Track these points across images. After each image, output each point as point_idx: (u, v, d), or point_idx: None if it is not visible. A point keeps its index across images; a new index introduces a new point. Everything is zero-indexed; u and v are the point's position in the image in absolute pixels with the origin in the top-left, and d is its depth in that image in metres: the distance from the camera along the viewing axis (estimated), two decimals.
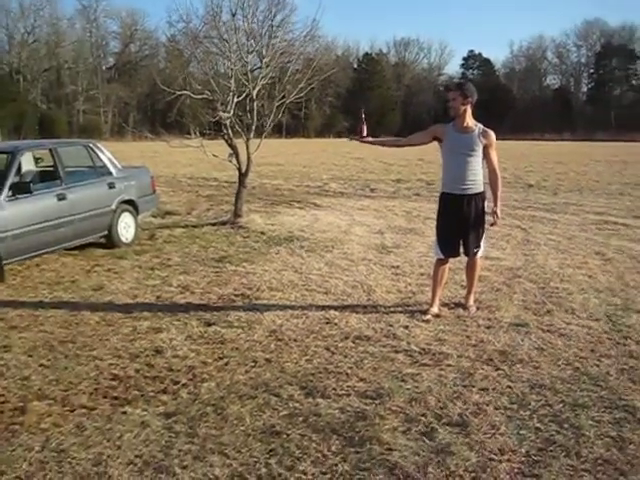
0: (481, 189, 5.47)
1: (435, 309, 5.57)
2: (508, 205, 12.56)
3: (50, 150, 8.04)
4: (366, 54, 78.10)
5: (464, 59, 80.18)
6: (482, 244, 5.65)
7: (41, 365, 4.58)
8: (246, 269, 7.37)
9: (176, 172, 21.21)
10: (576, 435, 3.40)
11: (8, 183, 7.04)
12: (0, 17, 57.61)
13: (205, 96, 9.60)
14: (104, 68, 62.23)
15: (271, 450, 3.32)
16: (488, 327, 5.20)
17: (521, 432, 3.45)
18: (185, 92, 9.56)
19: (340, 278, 6.87)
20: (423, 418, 3.63)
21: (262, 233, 9.59)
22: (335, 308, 5.78)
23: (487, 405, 3.78)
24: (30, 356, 4.76)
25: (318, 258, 7.87)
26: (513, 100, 74.20)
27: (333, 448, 3.33)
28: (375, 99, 68.21)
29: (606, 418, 3.59)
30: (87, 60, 60.36)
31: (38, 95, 58.28)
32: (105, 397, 4.04)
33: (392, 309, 5.74)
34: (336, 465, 3.16)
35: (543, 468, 3.09)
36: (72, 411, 3.84)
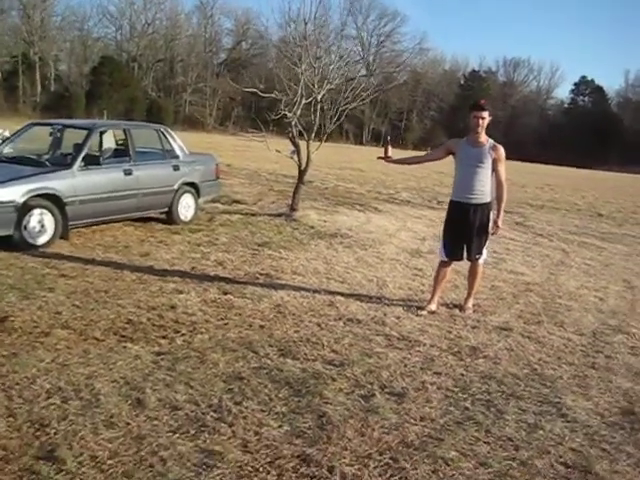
0: (487, 200, 5.89)
1: (432, 306, 6.02)
2: (564, 230, 12.73)
3: (124, 130, 8.97)
4: (473, 71, 77.57)
5: (575, 84, 78.50)
6: (484, 251, 6.07)
7: (73, 305, 5.38)
8: (280, 254, 8.01)
9: (260, 167, 22.06)
10: (496, 417, 3.84)
11: (81, 155, 7.95)
12: (125, 8, 61.05)
13: (273, 96, 10.30)
14: (215, 63, 64.62)
15: (229, 389, 3.93)
16: (473, 327, 5.62)
17: (449, 408, 3.91)
18: (253, 90, 10.29)
19: (362, 272, 7.39)
20: (369, 386, 4.15)
21: (311, 227, 10.19)
22: (343, 295, 6.32)
23: (432, 385, 4.25)
24: (68, 297, 5.57)
25: (351, 253, 8.42)
26: (624, 131, 71.85)
27: (280, 395, 3.90)
28: None
29: (532, 409, 4.00)
30: (199, 54, 62.95)
31: (150, 83, 61.27)
32: (115, 334, 4.77)
33: (395, 302, 6.22)
34: (275, 407, 3.73)
35: (449, 435, 3.56)
36: (85, 340, 4.60)
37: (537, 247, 10.42)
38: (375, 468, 3.14)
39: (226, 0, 65.69)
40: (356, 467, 3.14)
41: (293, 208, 11.09)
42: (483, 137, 5.85)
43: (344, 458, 3.21)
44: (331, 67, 10.36)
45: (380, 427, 3.58)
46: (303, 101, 10.49)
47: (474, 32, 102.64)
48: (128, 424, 3.40)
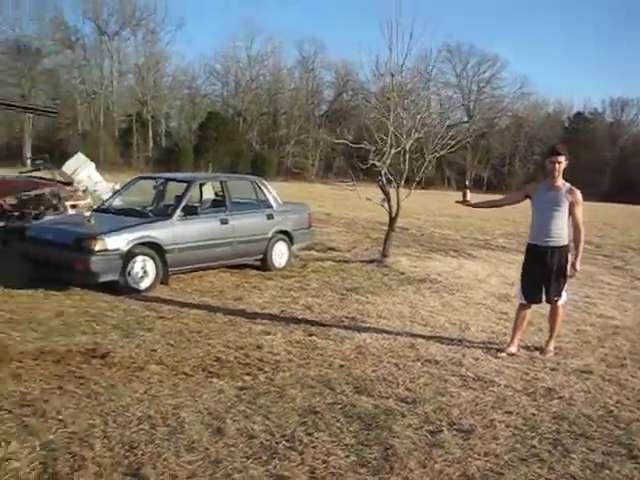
0: (565, 243, 5.95)
1: (512, 349, 6.08)
2: None
3: (221, 182, 9.59)
4: (578, 113, 75.75)
5: None
6: (564, 293, 6.09)
7: (168, 343, 5.83)
8: (368, 299, 8.25)
9: (358, 215, 22.42)
10: (562, 455, 3.90)
11: (181, 206, 8.57)
12: (231, 66, 64.08)
13: (363, 146, 10.70)
14: (316, 115, 66.38)
15: (303, 422, 4.20)
16: (552, 369, 5.63)
17: (515, 445, 4.01)
18: (343, 141, 10.72)
19: (446, 316, 7.51)
20: (437, 422, 4.30)
21: (401, 273, 10.38)
22: (424, 337, 6.48)
23: (500, 423, 4.35)
24: (163, 337, 6.05)
25: (437, 298, 8.55)
26: None
27: (350, 428, 4.13)
28: (584, 159, 65.79)
29: (602, 449, 4.02)
30: (302, 106, 64.90)
31: (254, 136, 63.58)
32: (203, 370, 5.16)
33: (475, 345, 6.31)
34: (345, 439, 3.96)
35: (510, 470, 3.66)
36: (175, 375, 5.01)
37: (634, 291, 10.15)
38: None
39: (326, 54, 67.50)
40: None
41: (384, 254, 11.32)
42: (560, 181, 5.95)
43: None
44: (418, 117, 10.64)
45: (443, 460, 3.73)
46: (392, 151, 10.80)
47: (578, 73, 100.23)
48: (207, 449, 3.72)
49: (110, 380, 4.79)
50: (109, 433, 3.87)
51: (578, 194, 5.92)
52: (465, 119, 73.48)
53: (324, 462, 3.64)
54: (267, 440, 3.89)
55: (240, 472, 3.47)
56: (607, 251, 15.78)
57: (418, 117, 10.62)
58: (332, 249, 13.04)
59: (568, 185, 5.95)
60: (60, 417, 4.08)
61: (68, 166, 16.92)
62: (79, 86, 60.15)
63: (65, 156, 21.05)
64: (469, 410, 4.55)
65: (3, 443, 3.64)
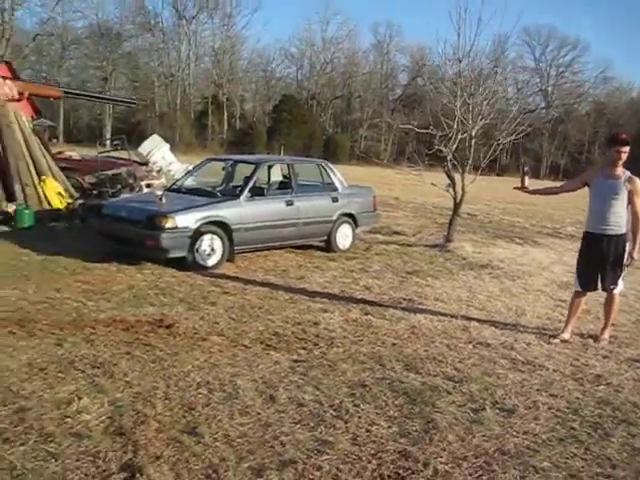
0: (622, 231, 5.95)
1: (566, 335, 6.13)
2: None
3: (288, 165, 9.87)
4: None
5: None
6: (620, 282, 6.09)
7: (230, 317, 6.15)
8: (427, 282, 8.39)
9: (427, 200, 22.40)
10: (601, 438, 3.99)
11: (248, 187, 8.89)
12: (305, 49, 64.59)
13: (429, 131, 10.77)
14: (390, 99, 66.12)
15: (352, 394, 4.42)
16: (604, 357, 5.67)
17: (555, 427, 4.12)
18: (409, 126, 10.83)
19: (503, 301, 7.59)
20: (481, 401, 4.45)
21: (464, 258, 10.44)
22: (479, 321, 6.59)
23: (544, 405, 4.46)
24: (226, 311, 6.37)
25: (497, 284, 8.60)
26: None
27: (396, 402, 4.33)
28: None
29: None
30: (376, 90, 64.78)
31: (327, 120, 63.94)
32: (261, 343, 5.44)
33: (529, 330, 6.39)
34: (389, 411, 4.17)
35: (547, 449, 3.79)
36: (235, 346, 5.30)
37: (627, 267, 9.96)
38: (467, 468, 3.48)
39: (402, 37, 67.09)
40: (449, 465, 3.49)
41: (448, 239, 11.40)
42: (620, 169, 5.95)
43: (440, 457, 3.57)
44: (485, 102, 10.62)
45: (482, 436, 3.89)
46: (459, 136, 10.83)
47: None
48: (259, 414, 3.99)
49: (174, 348, 5.13)
50: (170, 395, 4.19)
51: (638, 183, 5.91)
52: (543, 105, 71.89)
53: (367, 431, 3.85)
54: (315, 409, 4.13)
55: (287, 436, 3.72)
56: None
57: (485, 103, 10.60)
58: (397, 233, 13.17)
59: (628, 173, 5.94)
60: (127, 379, 4.43)
61: (144, 147, 17.58)
62: (157, 69, 61.72)
63: (143, 137, 21.83)
64: (514, 391, 4.67)
65: (76, 398, 4.00)
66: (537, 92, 70.29)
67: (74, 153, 15.99)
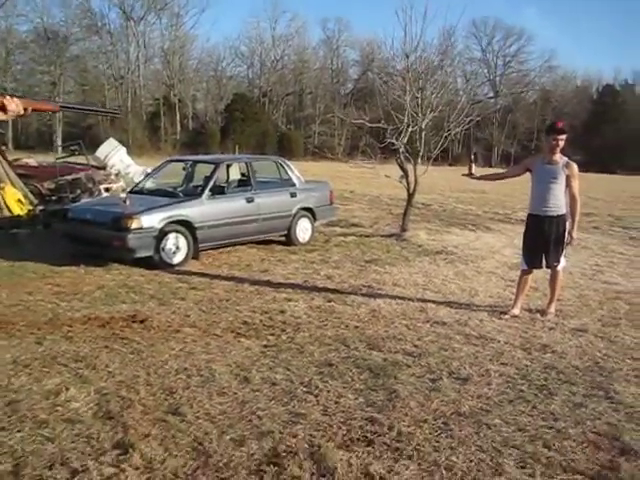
0: (562, 212, 6.44)
1: (515, 311, 6.59)
2: None
3: (245, 163, 10.20)
4: (607, 85, 74.73)
5: None
6: (562, 259, 6.58)
7: (200, 310, 6.47)
8: (385, 269, 8.80)
9: (382, 193, 22.84)
10: (545, 397, 4.43)
11: (209, 186, 9.19)
12: (255, 47, 64.77)
13: (380, 125, 11.19)
14: (342, 93, 66.68)
15: (320, 372, 4.79)
16: (550, 329, 6.15)
17: (505, 390, 4.55)
18: (361, 121, 11.24)
19: (457, 284, 8.04)
20: (438, 372, 4.86)
21: (419, 246, 10.90)
22: (435, 302, 7.02)
23: (495, 372, 4.88)
24: (196, 304, 6.68)
25: (451, 268, 9.07)
26: None
27: (361, 377, 4.71)
28: (611, 133, 65.09)
29: (582, 392, 4.54)
30: (327, 86, 65.35)
31: (280, 117, 64.25)
32: (232, 332, 5.76)
33: (482, 308, 6.84)
34: (355, 385, 4.54)
35: (498, 409, 4.21)
36: (207, 336, 5.63)
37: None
38: (427, 429, 3.87)
39: (351, 32, 67.77)
40: (412, 427, 3.87)
41: (403, 229, 11.84)
42: (557, 156, 6.43)
43: (403, 421, 3.96)
44: (433, 96, 11.08)
45: (440, 401, 4.29)
46: (409, 129, 11.27)
47: (608, 44, 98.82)
48: (235, 394, 4.32)
49: (150, 340, 5.42)
50: (151, 381, 4.50)
51: (574, 167, 6.39)
52: (491, 94, 73.24)
53: (336, 402, 4.22)
54: (287, 387, 4.48)
55: (263, 411, 4.06)
56: (627, 223, 16.12)
57: (433, 96, 11.06)
58: (355, 225, 13.59)
59: (565, 159, 6.42)
60: (109, 369, 4.72)
61: (101, 151, 17.60)
62: (107, 71, 61.11)
63: (96, 141, 21.80)
64: (468, 362, 5.10)
65: (64, 389, 4.28)
66: (485, 82, 71.68)
67: (31, 160, 16.00)
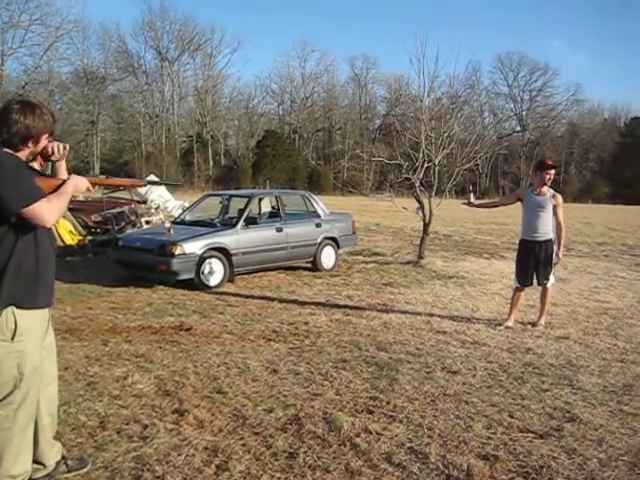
0: (550, 237, 7.44)
1: (509, 323, 7.57)
2: None
3: (275, 197, 11.38)
4: (635, 118, 75.30)
5: None
6: (551, 277, 7.56)
7: (236, 321, 7.59)
8: (399, 291, 9.84)
9: (406, 225, 23.89)
10: (518, 384, 5.41)
11: (243, 217, 10.37)
12: (286, 85, 66.96)
13: (398, 162, 12.32)
14: (370, 129, 68.32)
15: (335, 366, 5.83)
16: (537, 337, 7.11)
17: (487, 380, 5.54)
18: (380, 158, 12.36)
19: (463, 302, 9.04)
20: (433, 366, 5.87)
21: (434, 271, 11.91)
22: (440, 316, 8.02)
23: (481, 367, 5.88)
24: (232, 317, 7.79)
25: (460, 289, 10.06)
26: None
27: (369, 370, 5.74)
28: None
29: (550, 381, 5.51)
30: (355, 122, 67.09)
31: (310, 152, 66.02)
32: (263, 338, 6.84)
33: (481, 321, 7.83)
34: (363, 375, 5.58)
35: (477, 391, 5.21)
36: (243, 340, 6.71)
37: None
38: (418, 404, 4.88)
39: (379, 69, 69.71)
40: (405, 403, 4.89)
41: (420, 256, 12.86)
42: (545, 188, 7.45)
43: (399, 398, 4.98)
44: (446, 134, 12.18)
45: (431, 386, 5.30)
46: (425, 165, 12.36)
47: (635, 77, 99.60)
48: (266, 380, 5.39)
49: (195, 343, 6.53)
50: (198, 371, 5.58)
51: (560, 198, 7.43)
52: (518, 128, 74.27)
53: (346, 387, 5.26)
54: (308, 376, 5.53)
55: (288, 391, 5.11)
56: (638, 251, 16.94)
57: (445, 135, 12.16)
58: (376, 254, 14.64)
59: (552, 191, 7.45)
60: (164, 362, 5.82)
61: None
62: (142, 110, 63.51)
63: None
64: (460, 360, 6.10)
65: (129, 375, 5.38)
66: (512, 116, 72.76)
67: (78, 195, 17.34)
